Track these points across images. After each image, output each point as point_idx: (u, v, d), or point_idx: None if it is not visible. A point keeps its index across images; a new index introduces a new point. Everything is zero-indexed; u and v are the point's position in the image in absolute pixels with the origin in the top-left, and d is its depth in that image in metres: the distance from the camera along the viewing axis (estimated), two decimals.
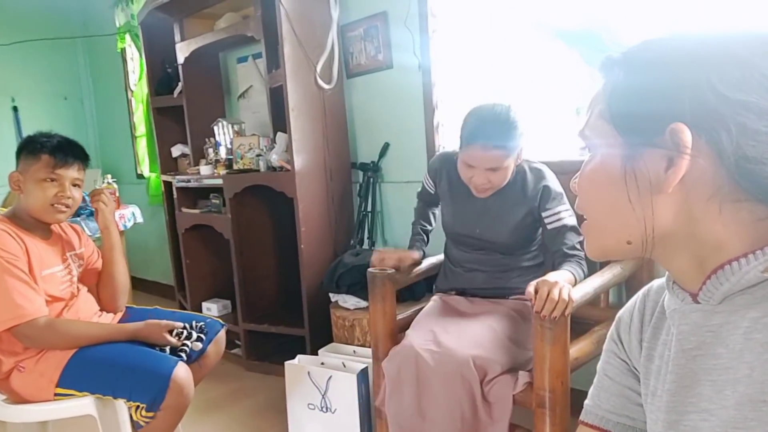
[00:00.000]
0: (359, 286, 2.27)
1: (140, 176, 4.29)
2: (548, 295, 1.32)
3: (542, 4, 2.01)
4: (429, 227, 1.96)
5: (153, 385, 1.51)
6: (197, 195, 3.16)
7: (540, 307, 1.32)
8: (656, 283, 0.68)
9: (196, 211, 3.11)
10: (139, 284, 4.31)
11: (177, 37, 3.09)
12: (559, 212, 1.62)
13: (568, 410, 1.41)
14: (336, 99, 2.68)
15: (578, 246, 1.59)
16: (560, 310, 1.31)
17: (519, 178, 1.66)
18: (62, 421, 1.63)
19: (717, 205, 0.52)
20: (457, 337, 1.56)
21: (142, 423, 1.54)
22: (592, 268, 1.66)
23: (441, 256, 1.92)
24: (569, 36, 1.86)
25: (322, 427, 2.04)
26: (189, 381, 1.57)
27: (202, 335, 1.76)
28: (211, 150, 3.05)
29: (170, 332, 1.68)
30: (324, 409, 2.03)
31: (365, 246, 2.70)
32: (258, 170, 2.69)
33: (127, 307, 1.90)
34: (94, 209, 1.81)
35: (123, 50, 4.19)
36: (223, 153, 2.93)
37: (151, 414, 1.51)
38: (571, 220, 1.62)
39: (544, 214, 1.63)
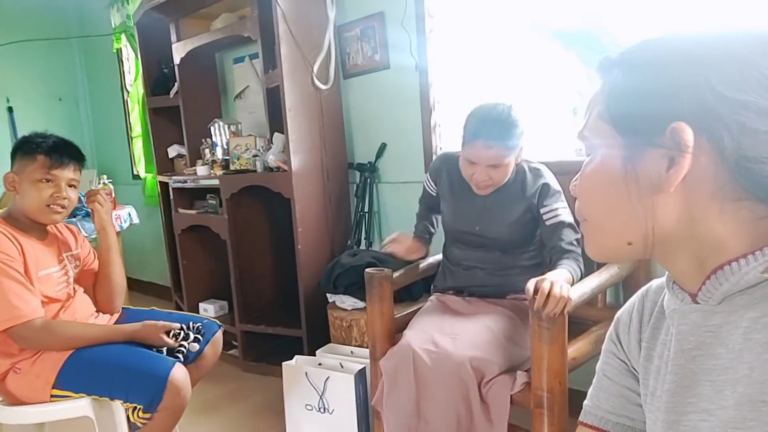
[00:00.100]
0: (357, 287, 2.26)
1: (136, 177, 4.28)
2: (549, 292, 1.32)
3: (539, 5, 2.01)
4: (432, 230, 1.96)
5: (150, 386, 1.50)
6: (194, 196, 3.16)
7: (541, 303, 1.33)
8: (655, 283, 0.68)
9: (193, 211, 3.10)
10: (135, 285, 4.30)
11: (173, 38, 3.08)
12: (556, 209, 1.64)
13: (566, 410, 1.41)
14: (333, 99, 2.68)
15: (575, 243, 1.60)
16: (560, 307, 1.32)
17: (518, 177, 1.69)
18: (59, 423, 1.62)
19: (718, 204, 0.52)
20: (454, 338, 1.56)
21: (138, 424, 1.53)
22: (590, 267, 1.67)
23: (439, 257, 1.92)
24: (567, 36, 1.86)
25: (320, 427, 2.04)
26: (186, 382, 1.56)
27: (199, 336, 1.75)
28: (207, 150, 3.04)
29: (167, 333, 1.67)
30: (321, 410, 2.03)
31: (362, 246, 2.70)
32: (255, 171, 2.69)
33: (123, 309, 1.89)
34: (90, 210, 1.80)
35: (119, 51, 4.17)
36: (219, 153, 2.92)
37: (148, 415, 1.51)
38: (568, 217, 1.63)
39: (542, 211, 1.65)
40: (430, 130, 2.45)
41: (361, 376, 1.96)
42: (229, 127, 2.91)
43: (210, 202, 2.99)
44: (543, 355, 1.36)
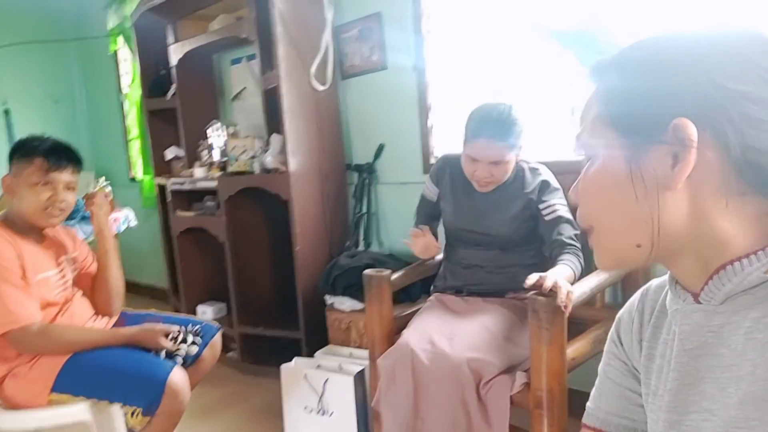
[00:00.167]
0: (355, 288, 2.26)
1: (133, 179, 4.27)
2: (555, 285, 1.35)
3: (537, 5, 2.01)
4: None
5: (149, 389, 1.50)
6: (191, 198, 3.14)
7: (549, 285, 1.34)
8: (655, 282, 0.68)
9: (191, 213, 3.09)
10: (132, 288, 4.28)
11: (170, 39, 3.08)
12: (555, 204, 1.66)
13: (565, 411, 1.41)
14: (330, 100, 2.67)
15: (575, 237, 1.62)
16: (569, 299, 1.33)
17: (518, 175, 1.73)
18: (57, 428, 1.61)
19: (723, 200, 0.52)
20: (452, 339, 1.56)
21: (136, 429, 1.53)
22: (588, 267, 1.67)
23: (439, 257, 1.92)
24: (564, 36, 1.86)
25: (319, 430, 2.03)
26: (185, 385, 1.56)
27: (198, 339, 1.75)
28: (205, 152, 3.04)
29: (166, 336, 1.67)
30: (321, 412, 2.02)
31: (360, 247, 2.70)
32: (252, 172, 2.68)
33: (122, 312, 1.89)
34: (88, 212, 1.80)
35: (116, 53, 4.16)
36: (217, 155, 2.91)
37: (147, 419, 1.50)
38: (567, 213, 1.65)
39: (540, 207, 1.68)
40: (428, 130, 2.45)
41: (360, 377, 1.96)
42: (226, 129, 2.91)
43: (208, 204, 2.99)
44: (542, 355, 1.36)
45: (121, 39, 3.91)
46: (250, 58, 3.04)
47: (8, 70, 4.14)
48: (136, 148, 4.12)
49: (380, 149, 2.66)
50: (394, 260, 2.38)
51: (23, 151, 1.61)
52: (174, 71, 3.09)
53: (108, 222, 1.82)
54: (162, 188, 3.34)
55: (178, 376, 1.54)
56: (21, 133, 3.65)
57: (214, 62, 3.36)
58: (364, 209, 2.69)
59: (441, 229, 1.90)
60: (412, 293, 2.24)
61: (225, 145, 2.85)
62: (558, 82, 2.04)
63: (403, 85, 2.48)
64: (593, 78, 0.59)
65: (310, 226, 2.59)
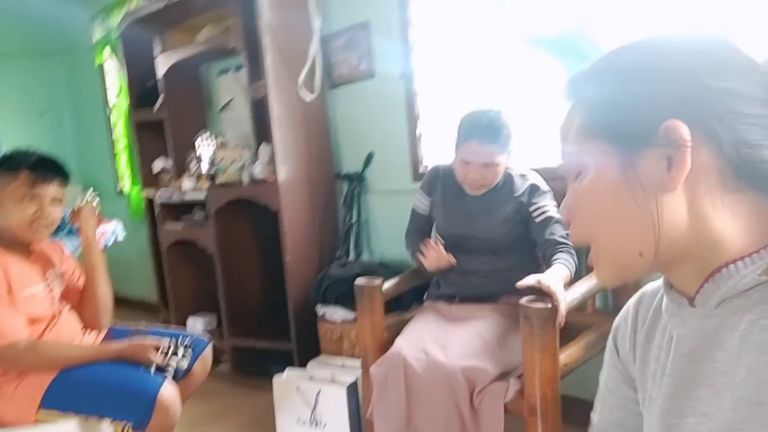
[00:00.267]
0: (346, 298, 2.25)
1: (120, 192, 4.23)
2: (554, 291, 1.38)
3: (523, 14, 2.03)
4: None
5: (139, 404, 1.48)
6: (180, 210, 3.12)
7: (546, 288, 1.38)
8: (650, 287, 0.68)
9: (179, 226, 3.07)
10: (121, 301, 4.22)
11: (157, 50, 3.06)
12: (545, 206, 1.69)
13: (559, 417, 1.40)
14: (319, 109, 2.67)
15: (567, 236, 1.63)
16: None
17: (508, 180, 1.76)
18: None
19: (719, 198, 0.52)
20: (445, 348, 1.56)
21: None
22: (578, 273, 1.67)
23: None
24: (550, 44, 1.88)
25: None
26: (175, 400, 1.54)
27: (188, 352, 1.73)
28: (193, 163, 3.02)
29: (156, 350, 1.65)
30: (314, 424, 2.01)
31: (351, 257, 2.69)
32: (241, 183, 2.67)
33: (110, 327, 1.86)
34: (75, 226, 1.77)
35: (102, 65, 4.14)
36: (205, 166, 2.90)
37: None
38: (557, 214, 1.67)
39: (531, 209, 1.70)
40: (417, 138, 2.46)
41: (353, 388, 1.94)
42: (215, 140, 2.89)
43: (197, 216, 2.97)
44: (535, 361, 1.36)
45: (107, 50, 3.89)
46: (238, 68, 3.03)
47: None
48: (123, 160, 4.10)
49: (369, 158, 2.66)
50: (386, 269, 2.37)
51: (8, 164, 1.59)
52: (161, 82, 3.07)
53: (96, 236, 1.80)
54: (150, 200, 3.31)
55: (168, 391, 1.52)
56: (6, 147, 3.60)
57: (202, 73, 3.35)
58: (355, 218, 2.69)
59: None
60: (404, 302, 2.23)
61: (213, 155, 2.83)
62: (544, 90, 2.06)
63: (392, 93, 2.48)
64: (569, 93, 0.59)
65: (300, 236, 2.58)
